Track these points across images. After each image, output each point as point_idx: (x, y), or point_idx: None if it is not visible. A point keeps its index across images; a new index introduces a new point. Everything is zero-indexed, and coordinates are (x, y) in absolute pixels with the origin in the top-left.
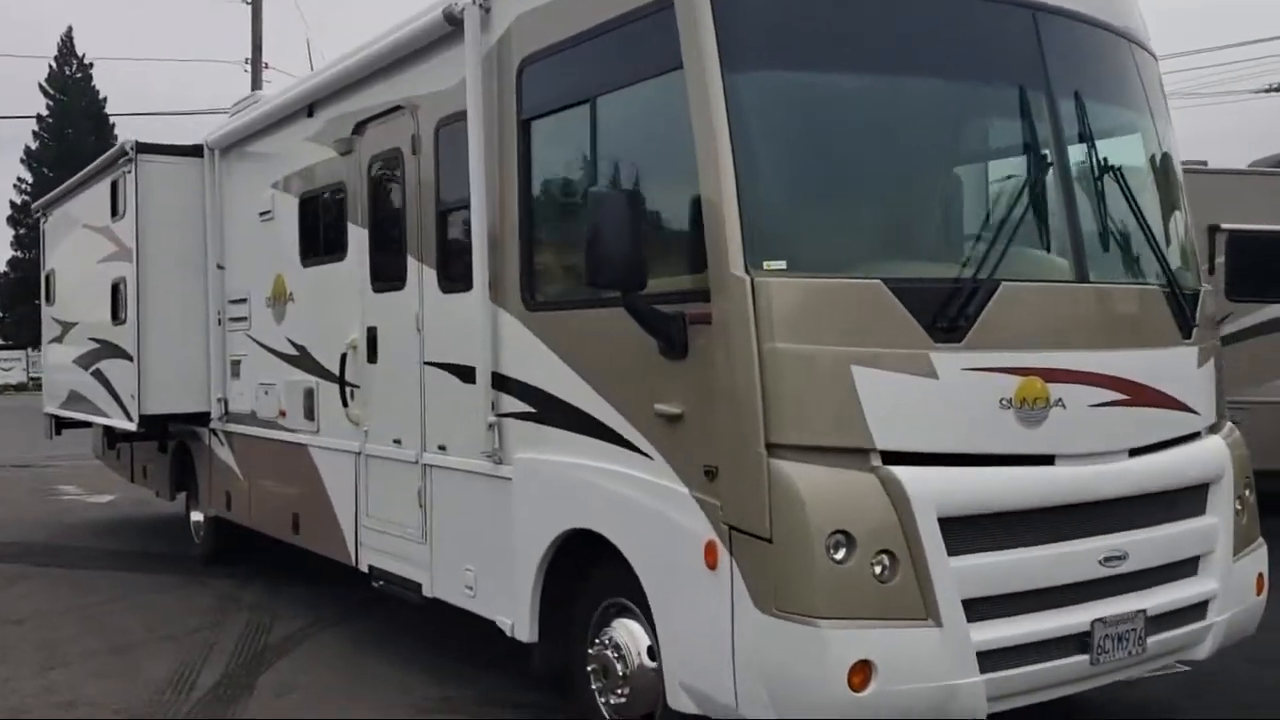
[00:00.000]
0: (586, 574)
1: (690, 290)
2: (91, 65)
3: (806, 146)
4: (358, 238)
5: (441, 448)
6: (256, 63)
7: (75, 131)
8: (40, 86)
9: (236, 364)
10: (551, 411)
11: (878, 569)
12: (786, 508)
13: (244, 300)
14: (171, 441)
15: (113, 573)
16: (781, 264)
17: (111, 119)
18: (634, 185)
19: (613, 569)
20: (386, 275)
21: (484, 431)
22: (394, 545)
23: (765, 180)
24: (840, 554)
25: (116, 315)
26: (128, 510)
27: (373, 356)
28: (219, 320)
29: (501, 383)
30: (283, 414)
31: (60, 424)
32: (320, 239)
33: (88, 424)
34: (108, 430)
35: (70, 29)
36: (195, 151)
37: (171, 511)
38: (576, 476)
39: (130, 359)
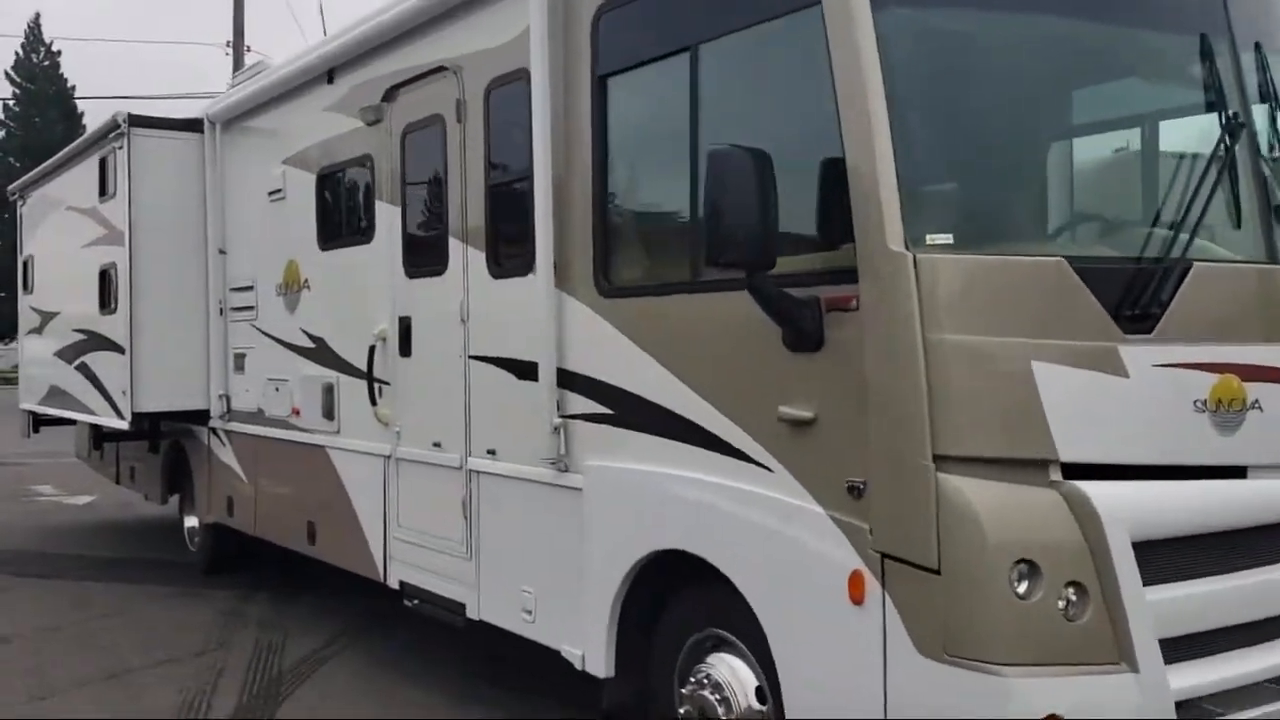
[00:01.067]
0: (676, 600)
1: (825, 271)
2: (60, 53)
3: (974, 99)
4: (388, 217)
5: (491, 452)
6: (238, 46)
7: (43, 120)
8: (6, 74)
9: (240, 358)
10: (633, 413)
11: (1065, 604)
12: (960, 532)
13: (249, 288)
14: (164, 441)
15: (103, 584)
16: (948, 238)
17: (80, 108)
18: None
19: (710, 596)
20: (423, 259)
21: (547, 435)
22: (432, 560)
23: (927, 139)
24: (1024, 587)
25: (105, 304)
26: (111, 513)
27: (406, 350)
28: (220, 310)
29: (568, 380)
30: (296, 412)
31: (38, 421)
32: (342, 220)
33: (69, 422)
34: (94, 429)
35: (38, 15)
36: (193, 126)
37: (159, 515)
38: (668, 490)
39: (121, 352)
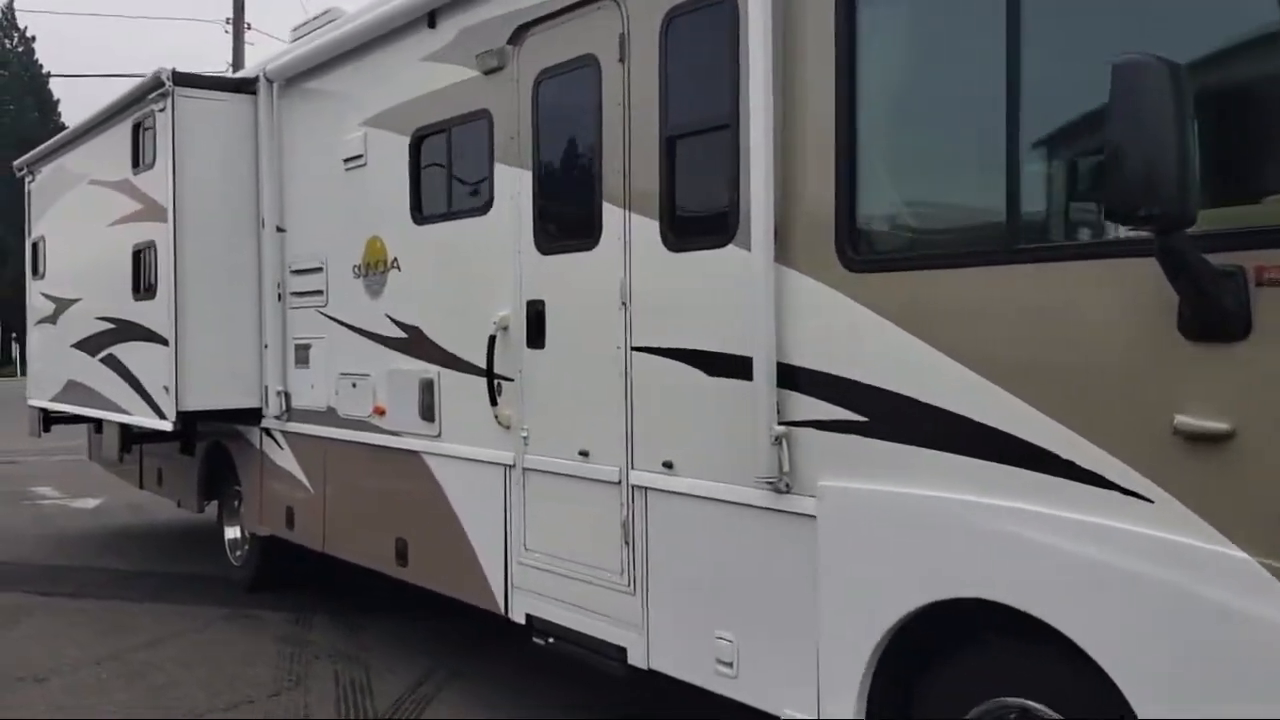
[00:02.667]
0: (949, 659)
1: (1251, 231)
2: (34, 39)
3: None
4: (511, 183)
5: (667, 466)
6: (239, 24)
7: (18, 107)
8: None
9: (304, 349)
10: (904, 421)
11: None
12: None
13: (316, 270)
14: (202, 443)
15: (139, 604)
16: None
17: (56, 95)
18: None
19: (1012, 658)
20: (564, 231)
21: (763, 448)
22: (575, 592)
23: None
24: None
25: (140, 289)
26: (123, 518)
27: (537, 340)
28: (278, 296)
29: (789, 377)
30: (380, 412)
31: (49, 419)
32: (445, 189)
33: (85, 420)
34: (124, 430)
35: (11, 1)
36: (244, 87)
37: (177, 521)
38: (971, 522)
39: (163, 343)
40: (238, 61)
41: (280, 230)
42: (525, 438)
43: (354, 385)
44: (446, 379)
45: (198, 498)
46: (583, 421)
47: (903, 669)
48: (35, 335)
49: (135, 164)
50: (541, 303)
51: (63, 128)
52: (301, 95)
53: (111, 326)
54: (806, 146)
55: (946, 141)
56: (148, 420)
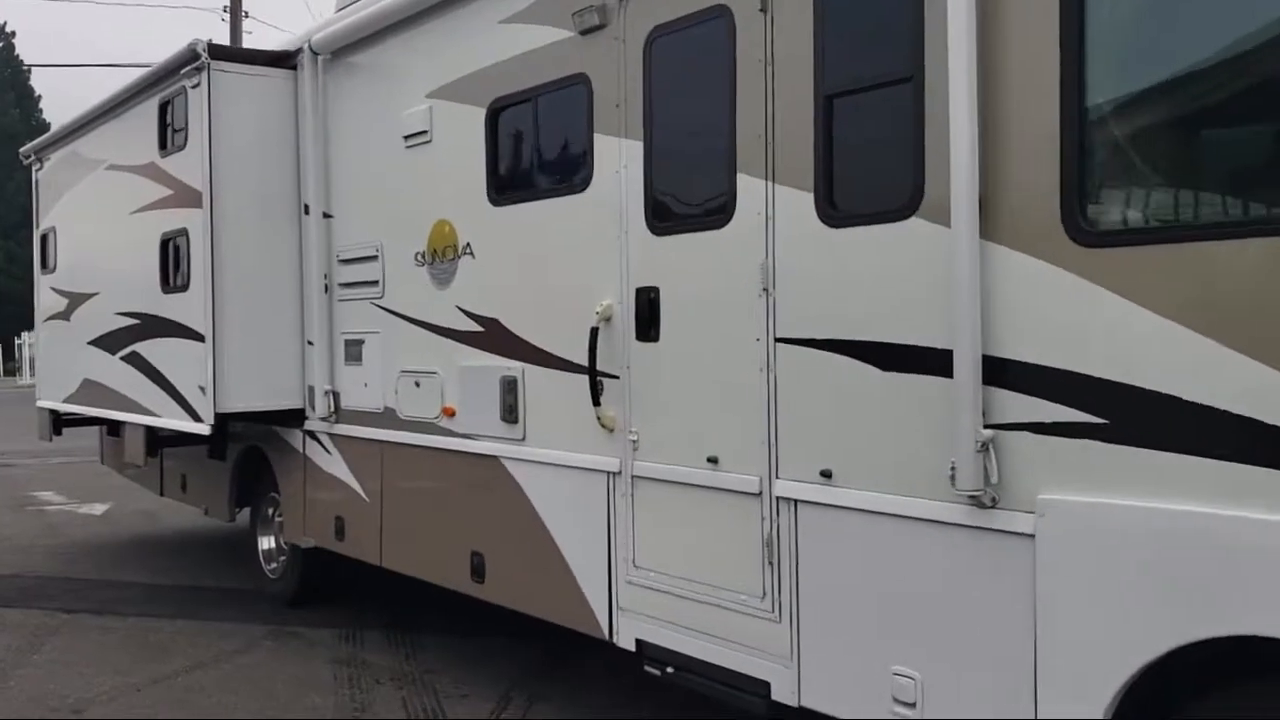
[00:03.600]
0: (1206, 697)
1: None
2: (14, 34)
3: None
4: (617, 155)
5: (825, 474)
6: (236, 12)
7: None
8: None
9: (355, 345)
10: (1160, 424)
11: None
12: None
13: (370, 258)
14: (235, 446)
15: (167, 621)
16: None
17: (37, 91)
18: None
19: None
20: (686, 208)
21: (966, 455)
22: (700, 617)
23: None
24: None
25: (170, 280)
26: (136, 525)
27: (650, 332)
28: (324, 287)
29: (996, 373)
30: (449, 413)
31: (60, 421)
32: (530, 165)
33: (100, 422)
34: (150, 433)
35: None
36: (283, 61)
37: (197, 528)
38: (1251, 543)
39: (198, 339)
40: None
41: (327, 216)
42: (634, 442)
43: (417, 384)
44: (532, 376)
45: (229, 506)
46: (710, 424)
47: (1146, 713)
48: (45, 332)
49: (163, 146)
50: (655, 290)
51: (45, 125)
52: (352, 68)
53: (135, 322)
54: (1020, 96)
55: (1220, 76)
56: (179, 422)
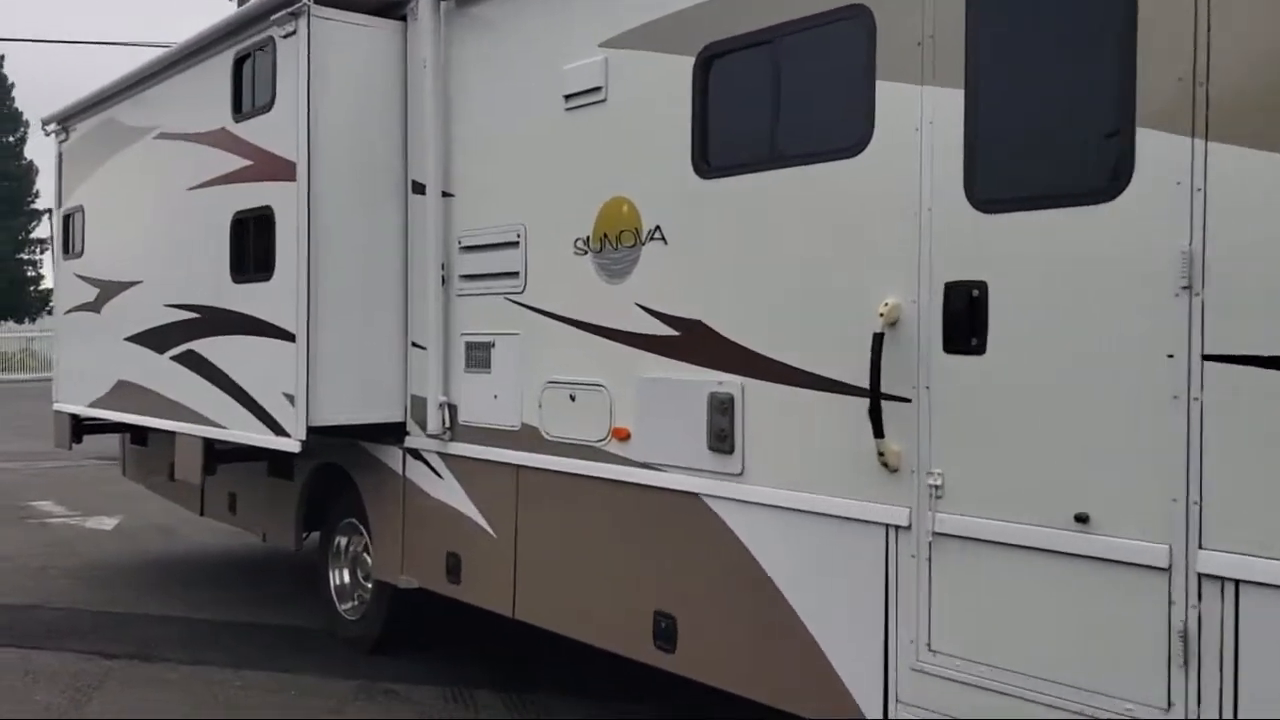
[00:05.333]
0: None
1: None
2: None
3: None
4: (913, 106)
5: None
6: None
7: None
8: None
9: (481, 349)
10: None
11: None
12: None
13: (507, 245)
14: (305, 463)
15: (230, 670)
16: None
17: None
18: None
19: None
20: (1037, 175)
21: None
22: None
23: None
24: None
25: (244, 267)
26: (155, 544)
27: (968, 341)
28: (442, 279)
29: None
30: (621, 435)
31: (81, 427)
32: (765, 124)
33: (125, 428)
34: (208, 446)
35: None
36: (390, 10)
37: (223, 547)
38: None
39: (283, 337)
40: None
41: (446, 195)
42: (935, 487)
43: (571, 398)
44: (759, 395)
45: (296, 532)
46: (1077, 468)
47: None
48: (67, 326)
49: (237, 109)
50: (978, 286)
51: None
52: (485, 18)
53: (193, 316)
54: None
55: None
56: (253, 436)
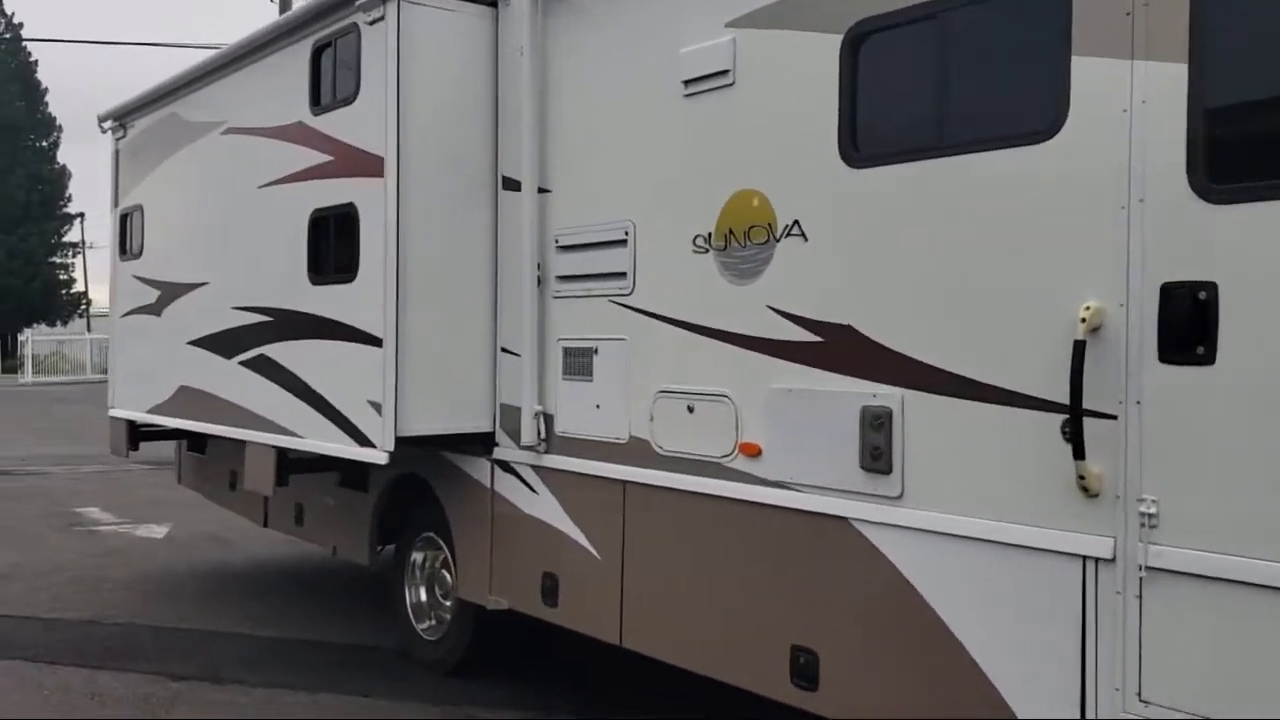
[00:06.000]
0: None
1: None
2: (21, 25)
3: None
4: (1120, 84)
5: None
6: None
7: (3, 95)
8: None
9: (581, 355)
10: None
11: None
12: None
13: (612, 243)
14: (380, 474)
15: (306, 695)
16: None
17: (44, 84)
18: None
19: None
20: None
21: None
22: None
23: None
24: None
25: (323, 268)
26: (210, 554)
27: (1191, 350)
28: (538, 279)
29: None
30: (750, 451)
31: (138, 433)
32: (930, 106)
33: (181, 435)
34: (281, 455)
35: None
36: None
37: (280, 557)
38: None
39: (369, 341)
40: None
41: (543, 191)
42: (1148, 515)
43: (689, 409)
44: (922, 409)
45: (370, 547)
46: None
47: None
48: (124, 329)
49: (315, 101)
50: (1207, 287)
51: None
52: (587, 3)
53: (265, 320)
54: None
55: None
56: (334, 446)
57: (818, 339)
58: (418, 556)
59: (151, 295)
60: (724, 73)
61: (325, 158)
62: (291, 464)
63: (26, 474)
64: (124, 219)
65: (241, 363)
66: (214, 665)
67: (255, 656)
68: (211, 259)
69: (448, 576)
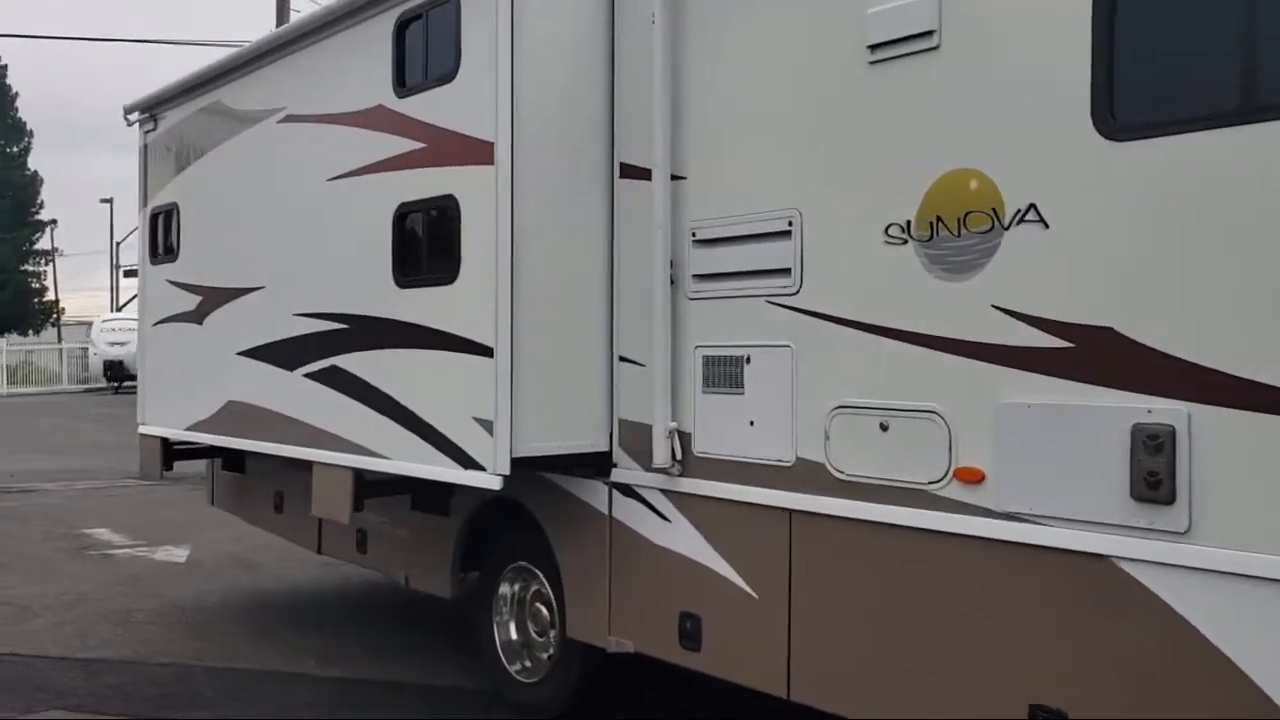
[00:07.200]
0: None
1: None
2: None
3: None
4: None
5: None
6: None
7: None
8: None
9: (728, 363)
10: None
11: None
12: None
13: (771, 235)
14: (471, 498)
15: None
16: None
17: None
18: None
19: None
20: None
21: None
22: None
23: None
24: None
25: (414, 269)
26: (239, 580)
27: None
28: (670, 279)
29: None
30: (970, 477)
31: (172, 452)
32: (1232, 61)
33: (216, 453)
34: (358, 478)
35: None
36: None
37: (317, 583)
38: None
39: (473, 350)
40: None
41: (677, 177)
42: None
43: (882, 427)
44: (1220, 427)
45: (452, 577)
46: None
47: None
48: (155, 339)
49: (400, 82)
50: None
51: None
52: None
53: (338, 327)
54: None
55: None
56: (430, 469)
57: (1066, 344)
58: (506, 589)
59: (190, 301)
60: (927, 34)
61: (414, 145)
62: (368, 487)
63: (19, 491)
64: (155, 219)
65: (307, 375)
66: (285, 713)
67: (328, 702)
68: (267, 261)
69: (543, 611)
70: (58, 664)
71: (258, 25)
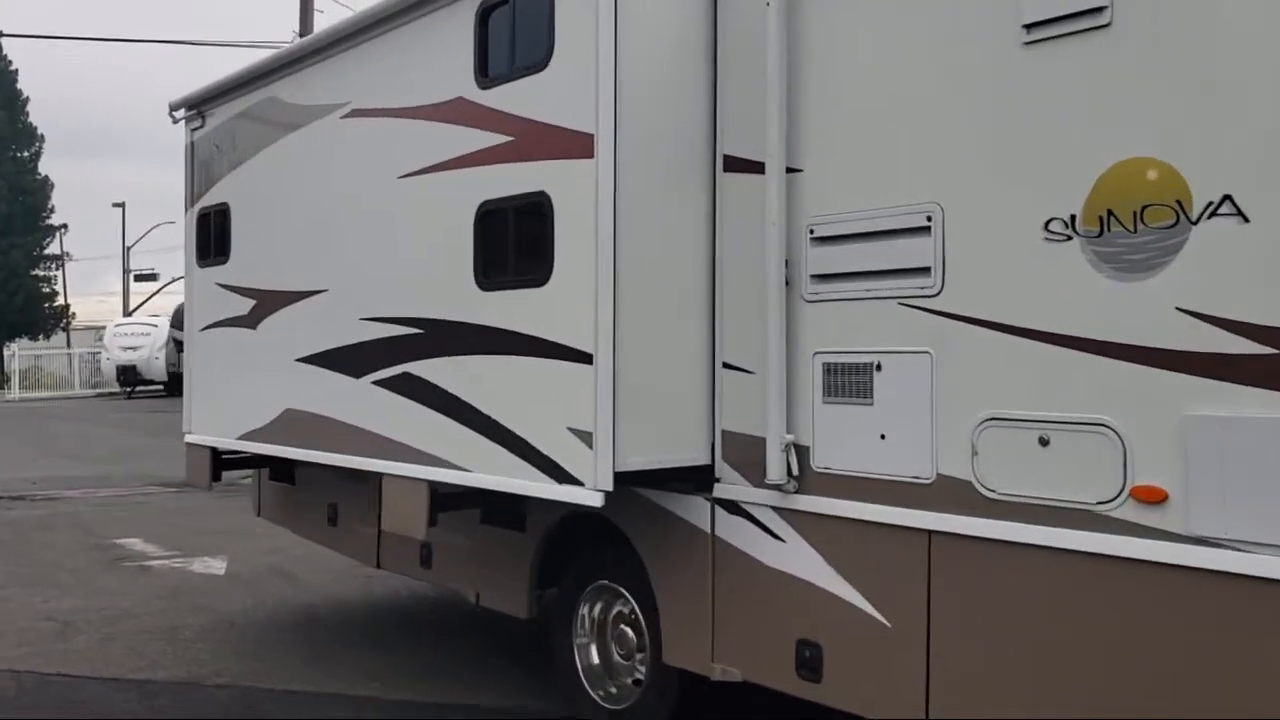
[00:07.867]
0: None
1: None
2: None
3: None
4: None
5: None
6: None
7: None
8: None
9: (853, 372)
10: None
11: None
12: None
13: (905, 231)
14: (550, 512)
15: None
16: None
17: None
18: None
19: None
20: None
21: None
22: None
23: None
24: None
25: (499, 271)
26: (284, 594)
27: None
28: (784, 280)
29: None
30: (1148, 497)
31: (221, 463)
32: None
33: (262, 462)
34: (433, 491)
35: None
36: None
37: (364, 596)
38: None
39: (573, 358)
40: (306, 28)
41: (793, 170)
42: None
43: (1042, 442)
44: None
45: (529, 595)
46: None
47: None
48: (204, 344)
49: (483, 72)
50: None
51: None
52: None
53: (412, 332)
54: None
55: None
56: (520, 483)
57: (1271, 351)
58: (585, 609)
59: (243, 305)
60: (1097, 10)
61: (500, 138)
62: (443, 501)
63: (44, 499)
64: (203, 219)
65: (377, 382)
66: None
67: None
68: (330, 263)
69: (629, 633)
70: (110, 685)
71: (278, 26)
